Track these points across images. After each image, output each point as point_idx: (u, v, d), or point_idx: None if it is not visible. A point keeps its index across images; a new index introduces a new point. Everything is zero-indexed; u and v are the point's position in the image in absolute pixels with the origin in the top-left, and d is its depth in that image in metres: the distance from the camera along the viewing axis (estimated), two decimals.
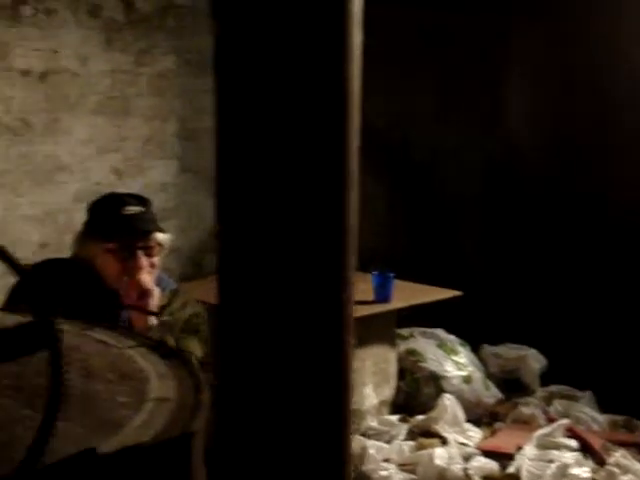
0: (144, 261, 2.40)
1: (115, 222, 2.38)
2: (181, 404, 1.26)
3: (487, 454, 3.58)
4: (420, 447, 3.57)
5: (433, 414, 3.81)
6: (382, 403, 3.98)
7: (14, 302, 2.35)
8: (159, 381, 1.34)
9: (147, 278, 2.37)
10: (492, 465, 3.48)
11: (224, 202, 1.14)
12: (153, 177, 4.23)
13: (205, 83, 4.33)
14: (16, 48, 3.66)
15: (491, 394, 4.18)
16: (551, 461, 3.43)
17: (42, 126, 3.79)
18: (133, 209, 2.42)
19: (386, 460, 3.50)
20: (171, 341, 2.30)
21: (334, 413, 1.20)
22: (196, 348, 2.39)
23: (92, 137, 3.97)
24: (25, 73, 3.69)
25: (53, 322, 0.94)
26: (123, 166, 4.11)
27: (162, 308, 2.44)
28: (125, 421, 1.16)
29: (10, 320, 1.41)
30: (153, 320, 2.36)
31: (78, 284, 2.35)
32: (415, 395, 4.07)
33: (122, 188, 3.83)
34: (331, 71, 1.07)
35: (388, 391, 4.03)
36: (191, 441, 1.20)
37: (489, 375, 4.33)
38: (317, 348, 1.16)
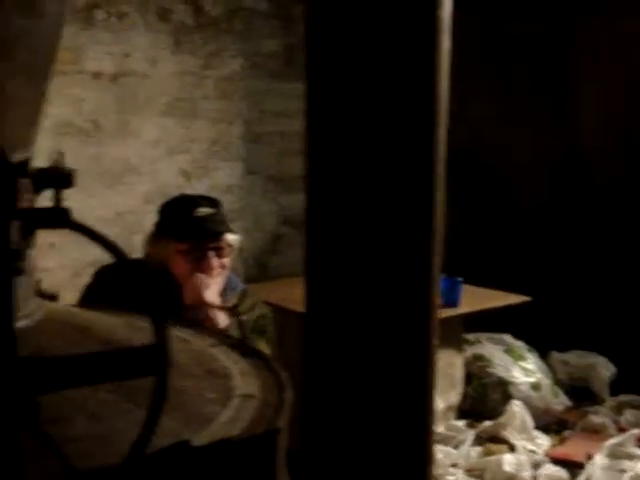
0: (215, 262, 2.42)
1: (187, 223, 2.40)
2: (265, 401, 1.26)
3: (556, 462, 3.51)
4: (488, 453, 3.53)
5: (501, 420, 3.76)
6: (448, 408, 3.94)
7: (89, 300, 2.38)
8: (242, 379, 1.35)
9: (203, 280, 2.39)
10: (561, 473, 3.41)
11: (314, 206, 1.13)
12: (219, 179, 4.26)
13: (271, 86, 4.35)
14: (88, 51, 3.72)
15: (560, 401, 4.10)
16: (623, 471, 3.36)
17: (112, 127, 3.85)
18: (204, 210, 2.44)
19: (453, 465, 3.46)
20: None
21: (419, 413, 1.19)
22: (264, 349, 2.40)
23: (161, 139, 4.02)
24: (96, 75, 3.75)
25: (166, 348, 0.95)
26: (190, 168, 4.15)
27: (233, 308, 2.45)
28: (213, 416, 1.17)
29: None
30: (223, 320, 2.37)
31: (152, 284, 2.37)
32: (482, 401, 4.02)
33: (189, 190, 3.88)
34: (421, 76, 1.06)
35: (454, 396, 3.99)
36: (276, 437, 1.20)
37: (557, 382, 4.26)
38: (405, 350, 1.15)
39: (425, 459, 1.22)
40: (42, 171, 1.21)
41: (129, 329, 1.41)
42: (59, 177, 1.19)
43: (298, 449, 1.20)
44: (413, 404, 1.18)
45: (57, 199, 1.16)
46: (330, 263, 1.14)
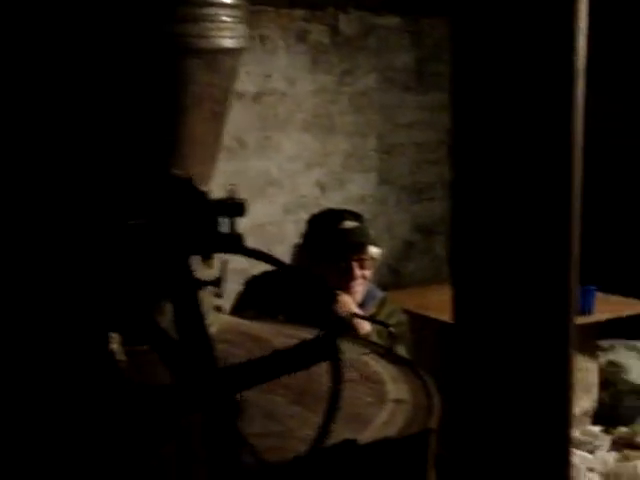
0: (357, 273, 2.58)
1: (334, 235, 2.57)
2: (416, 405, 1.40)
3: None
4: (625, 459, 3.54)
5: (636, 427, 3.76)
6: (583, 414, 3.96)
7: (240, 308, 2.58)
8: (394, 384, 1.49)
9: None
10: None
11: (457, 213, 1.24)
12: (353, 190, 4.42)
13: (402, 100, 4.49)
14: None
15: None
16: None
17: (255, 144, 4.08)
18: (350, 224, 2.60)
19: (590, 470, 3.49)
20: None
21: (559, 417, 1.28)
22: (403, 354, 2.52)
23: (299, 153, 4.22)
24: (240, 96, 3.98)
25: (335, 339, 1.10)
26: (326, 180, 4.33)
27: (372, 317, 2.59)
28: (371, 418, 1.31)
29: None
30: (364, 327, 2.51)
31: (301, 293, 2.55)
32: (617, 407, 4.01)
33: (325, 201, 4.07)
34: (560, 83, 1.14)
35: (588, 402, 4.00)
36: (428, 437, 1.33)
37: None
38: (546, 356, 1.25)
39: (564, 462, 1.31)
40: (219, 201, 1.39)
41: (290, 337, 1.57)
42: (234, 207, 1.37)
43: (440, 453, 1.33)
44: (553, 408, 1.27)
45: (232, 226, 1.35)
46: (473, 272, 1.25)
